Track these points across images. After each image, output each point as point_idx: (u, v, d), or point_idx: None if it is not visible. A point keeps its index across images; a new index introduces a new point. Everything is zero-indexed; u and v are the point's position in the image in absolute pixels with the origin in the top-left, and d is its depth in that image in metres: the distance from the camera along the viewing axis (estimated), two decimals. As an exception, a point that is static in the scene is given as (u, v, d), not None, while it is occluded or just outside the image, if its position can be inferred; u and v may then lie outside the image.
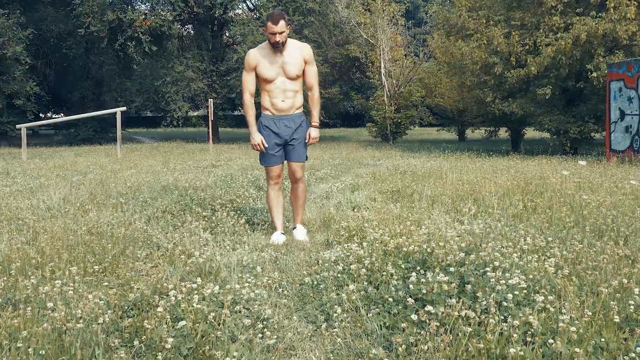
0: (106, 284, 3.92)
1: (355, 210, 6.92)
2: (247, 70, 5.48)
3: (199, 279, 3.73)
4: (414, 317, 3.03)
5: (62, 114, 36.46)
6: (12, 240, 5.17)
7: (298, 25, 27.64)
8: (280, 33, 5.18)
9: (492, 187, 7.63)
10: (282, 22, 5.18)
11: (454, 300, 3.12)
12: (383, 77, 26.68)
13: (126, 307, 3.40)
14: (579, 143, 17.45)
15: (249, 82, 5.49)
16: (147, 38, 27.09)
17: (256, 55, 5.41)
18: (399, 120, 26.75)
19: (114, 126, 21.45)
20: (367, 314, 3.28)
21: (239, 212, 6.90)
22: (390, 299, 3.33)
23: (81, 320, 3.09)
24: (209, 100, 21.20)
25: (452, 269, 3.77)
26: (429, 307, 3.07)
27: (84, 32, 26.67)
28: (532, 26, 17.16)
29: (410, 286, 3.42)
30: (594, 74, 15.54)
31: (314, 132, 5.68)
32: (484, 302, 3.12)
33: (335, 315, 3.31)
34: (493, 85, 18.35)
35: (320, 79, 28.38)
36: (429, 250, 4.22)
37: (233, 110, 52.32)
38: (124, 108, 20.83)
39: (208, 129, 23.17)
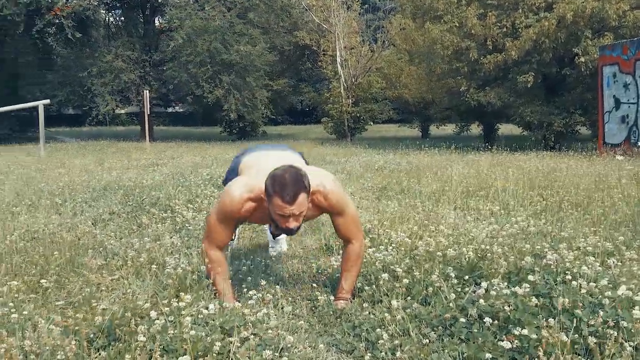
0: (61, 302, 3.15)
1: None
2: (222, 218, 3.41)
3: (187, 295, 3.02)
4: (504, 344, 2.38)
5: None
6: None
7: (241, 8, 26.89)
8: (298, 215, 3.17)
9: (502, 183, 7.11)
10: (302, 197, 3.11)
11: (551, 320, 2.49)
12: (339, 66, 26.14)
13: (91, 335, 2.66)
14: (563, 137, 17.13)
15: (220, 233, 3.44)
16: (69, 23, 25.82)
17: (246, 209, 3.37)
18: (358, 115, 26.25)
19: (34, 125, 20.31)
20: (423, 340, 2.63)
21: (203, 213, 6.18)
22: (462, 319, 2.68)
23: (32, 356, 2.36)
24: (144, 91, 20.25)
25: (515, 278, 3.17)
26: (519, 330, 2.45)
27: (-4, 16, 25.24)
28: (509, 6, 16.76)
29: (480, 301, 2.78)
30: (582, 59, 15.17)
31: (342, 305, 3.36)
32: (591, 322, 2.51)
33: (380, 342, 2.65)
34: (467, 73, 17.87)
35: (267, 69, 28.06)
36: (479, 254, 3.60)
37: (167, 107, 51.05)
38: (47, 101, 19.62)
39: (144, 124, 22.21)
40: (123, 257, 4.20)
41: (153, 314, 2.75)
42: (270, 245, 4.82)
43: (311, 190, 3.23)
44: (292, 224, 3.17)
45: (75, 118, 51.83)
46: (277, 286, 3.55)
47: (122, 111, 45.65)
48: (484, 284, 2.95)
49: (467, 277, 3.34)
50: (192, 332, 2.56)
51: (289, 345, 2.64)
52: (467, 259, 3.59)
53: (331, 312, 3.19)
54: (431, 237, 4.35)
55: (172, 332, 2.58)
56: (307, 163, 4.01)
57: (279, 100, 32.13)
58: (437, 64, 18.96)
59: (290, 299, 3.43)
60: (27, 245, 4.47)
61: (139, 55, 28.12)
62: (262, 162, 3.58)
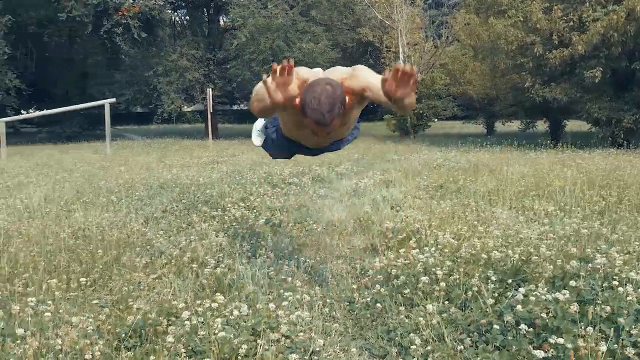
0: (96, 301, 3.19)
1: (396, 208, 6.19)
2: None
3: (220, 296, 3.01)
4: (537, 353, 2.29)
5: (44, 110, 35.78)
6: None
7: (304, 6, 26.93)
8: (328, 133, 3.14)
9: (559, 182, 6.90)
10: (335, 122, 3.00)
11: (589, 329, 2.38)
12: (402, 63, 25.89)
13: (123, 335, 2.68)
14: (632, 134, 16.56)
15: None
16: (135, 23, 26.33)
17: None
18: (421, 112, 25.97)
19: (102, 123, 20.76)
20: (458, 346, 2.55)
21: (255, 211, 6.19)
22: (496, 326, 2.59)
23: (61, 355, 2.38)
24: (207, 90, 20.48)
25: (559, 283, 3.05)
26: (555, 338, 2.35)
27: (66, 18, 25.83)
28: (576, -1, 16.35)
29: (518, 307, 2.68)
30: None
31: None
32: (634, 331, 2.39)
33: (413, 347, 2.59)
34: (532, 68, 17.46)
35: (329, 66, 28.03)
36: (522, 257, 3.48)
37: (232, 105, 51.58)
38: (113, 100, 20.08)
39: (206, 122, 22.44)
40: (168, 256, 4.23)
41: (185, 314, 2.74)
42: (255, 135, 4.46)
43: (343, 78, 3.09)
44: (322, 136, 3.16)
45: (143, 116, 52.96)
46: (317, 287, 3.51)
47: (189, 109, 46.29)
48: (522, 289, 2.84)
49: (510, 280, 3.24)
50: (221, 334, 2.55)
51: (317, 349, 2.60)
52: (511, 262, 3.48)
53: (368, 315, 3.13)
54: (480, 238, 4.25)
55: (202, 333, 2.58)
56: None
57: (342, 98, 32.00)
58: (501, 60, 18.56)
59: (328, 300, 3.38)
60: (77, 243, 4.54)
61: (203, 54, 28.48)
62: None
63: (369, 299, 3.31)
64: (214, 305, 2.87)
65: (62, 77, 32.21)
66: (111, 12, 26.55)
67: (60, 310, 2.89)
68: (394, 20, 26.28)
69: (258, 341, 2.52)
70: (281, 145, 3.68)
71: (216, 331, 2.59)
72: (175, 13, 32.64)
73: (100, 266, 3.88)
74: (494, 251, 3.64)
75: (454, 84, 27.23)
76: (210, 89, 21.05)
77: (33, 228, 4.96)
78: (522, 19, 17.01)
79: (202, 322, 2.69)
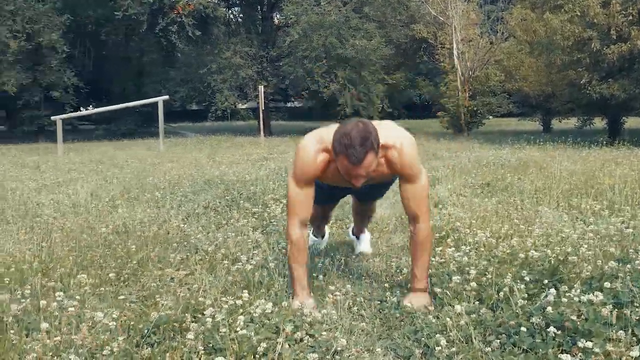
0: (123, 297, 3.20)
1: (439, 207, 6.09)
2: (299, 178, 3.27)
3: (245, 293, 2.99)
4: (565, 357, 2.20)
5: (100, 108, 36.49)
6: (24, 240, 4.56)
7: (357, 2, 26.87)
8: (365, 175, 3.05)
9: (609, 180, 6.70)
10: (369, 158, 2.94)
11: (621, 333, 2.28)
12: (455, 59, 25.61)
13: (146, 331, 2.68)
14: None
15: (301, 202, 3.30)
16: (190, 21, 26.65)
17: (321, 160, 3.21)
18: (475, 109, 25.64)
19: (156, 120, 21.07)
20: (485, 348, 2.48)
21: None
22: (523, 328, 2.50)
23: (81, 350, 2.39)
24: (259, 87, 20.59)
25: (596, 284, 2.94)
26: (584, 342, 2.25)
27: (122, 16, 26.31)
28: (636, -8, 15.88)
29: (549, 308, 2.59)
30: None
31: (418, 301, 3.19)
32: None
33: (438, 349, 2.52)
34: (588, 64, 17.02)
35: (383, 63, 27.88)
36: (559, 257, 3.37)
37: (286, 102, 51.82)
38: (166, 97, 20.36)
39: (259, 120, 22.59)
40: (202, 252, 4.24)
41: (208, 311, 2.73)
42: (360, 250, 4.63)
43: (386, 144, 3.11)
44: (359, 182, 3.09)
45: (198, 113, 53.55)
46: (348, 285, 3.46)
47: (244, 106, 46.65)
48: (552, 290, 2.74)
49: (546, 281, 3.13)
50: (242, 332, 2.53)
51: (339, 349, 2.55)
52: (549, 262, 3.37)
53: (397, 314, 3.07)
54: (521, 237, 4.15)
55: (223, 330, 2.56)
56: None
57: (396, 95, 31.87)
58: (557, 56, 18.14)
59: (359, 299, 3.33)
60: (115, 239, 4.59)
61: (257, 52, 28.67)
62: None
63: (400, 298, 3.25)
64: (239, 302, 2.85)
65: (118, 75, 32.87)
66: (166, 11, 26.93)
67: (87, 306, 2.91)
68: (448, 17, 25.99)
69: (278, 339, 2.48)
70: (323, 191, 3.58)
71: (238, 329, 2.57)
72: (230, 11, 32.93)
73: (134, 262, 3.90)
74: (532, 250, 3.54)
75: (509, 81, 26.76)
76: (262, 86, 21.16)
77: (71, 223, 5.03)
78: (579, 14, 16.59)
79: (224, 320, 2.66)
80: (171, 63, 31.78)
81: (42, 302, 2.84)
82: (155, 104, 19.96)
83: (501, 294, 2.97)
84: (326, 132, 3.17)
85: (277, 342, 2.46)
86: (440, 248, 3.98)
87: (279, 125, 40.50)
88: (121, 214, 5.92)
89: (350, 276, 3.84)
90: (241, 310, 2.81)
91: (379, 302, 3.30)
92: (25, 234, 4.86)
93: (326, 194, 3.68)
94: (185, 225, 5.29)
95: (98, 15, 29.97)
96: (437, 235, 4.53)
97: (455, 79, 26.00)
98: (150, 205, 6.55)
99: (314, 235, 4.60)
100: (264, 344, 2.42)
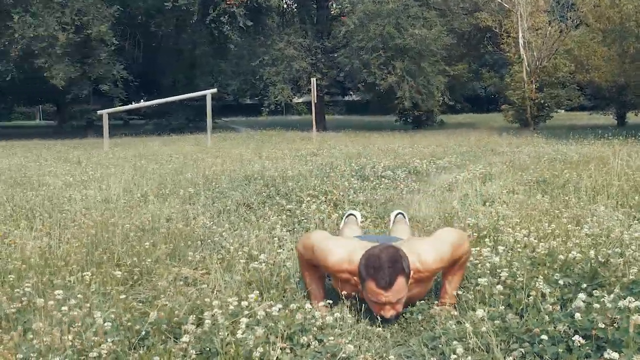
0: (124, 296, 3.17)
1: (488, 204, 5.94)
2: (306, 264, 3.32)
3: (251, 295, 2.93)
4: (586, 368, 2.07)
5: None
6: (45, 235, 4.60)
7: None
8: (395, 303, 2.90)
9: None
10: (399, 283, 2.84)
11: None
12: (521, 48, 25.09)
13: (143, 333, 2.64)
14: None
15: (312, 284, 3.30)
16: (241, 12, 26.74)
17: (341, 276, 3.12)
18: (542, 101, 25.07)
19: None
20: (506, 357, 2.36)
21: (333, 205, 6.10)
22: (545, 336, 2.38)
23: (67, 352, 2.36)
24: (312, 79, 20.54)
25: (638, 289, 2.78)
26: (611, 354, 2.12)
27: (172, 7, 26.56)
28: None
29: (577, 315, 2.45)
30: None
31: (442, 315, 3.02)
32: None
33: (453, 357, 2.41)
34: (664, 53, 16.58)
35: (444, 54, 27.48)
36: (600, 258, 3.21)
37: (343, 96, 51.75)
38: (214, 90, 20.44)
39: (311, 113, 22.56)
40: (225, 250, 4.20)
41: (207, 313, 2.68)
42: None
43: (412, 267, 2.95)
44: (389, 313, 2.89)
45: (252, 108, 54.07)
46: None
47: (300, 100, 46.73)
48: (581, 295, 2.59)
49: (584, 285, 2.98)
50: (241, 335, 2.46)
51: (343, 355, 2.46)
52: (590, 264, 3.22)
53: (419, 319, 2.97)
54: (568, 237, 3.99)
55: (222, 334, 2.50)
56: None
57: (458, 87, 31.40)
58: (631, 43, 17.65)
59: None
60: (137, 236, 4.58)
61: (311, 43, 28.61)
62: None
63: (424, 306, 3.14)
64: (245, 303, 2.79)
65: (169, 68, 33.23)
66: (217, 1, 27.07)
67: (88, 305, 2.89)
68: (514, 3, 25.48)
69: (278, 344, 2.41)
70: None
71: (238, 332, 2.51)
72: (284, 0, 32.99)
73: (149, 260, 3.88)
74: (573, 251, 3.38)
75: (579, 71, 26.04)
76: (315, 79, 21.11)
77: (92, 219, 5.04)
78: (655, -2, 16.12)
79: (224, 322, 2.61)
80: (223, 55, 31.96)
81: (40, 300, 2.84)
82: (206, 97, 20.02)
83: (530, 298, 2.84)
84: (359, 251, 3.02)
85: (274, 348, 2.39)
86: (478, 248, 3.85)
87: (334, 119, 40.50)
88: (150, 209, 5.93)
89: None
90: (246, 312, 2.74)
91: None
92: (45, 229, 4.90)
93: None
94: (213, 223, 5.26)
95: (148, 6, 30.32)
96: (476, 234, 4.40)
97: (521, 69, 25.48)
98: (182, 201, 6.56)
99: None
100: (260, 349, 2.35)
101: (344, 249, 3.10)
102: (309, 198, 6.34)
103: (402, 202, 6.56)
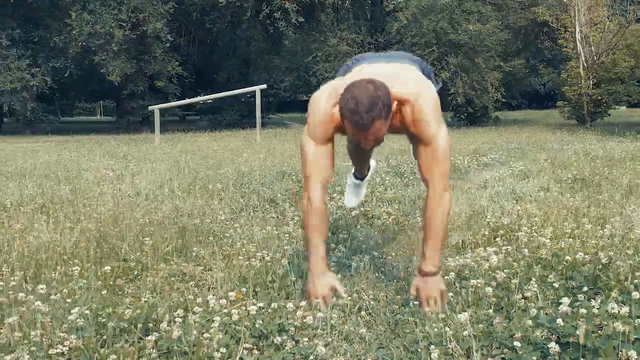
0: (105, 291, 3.12)
1: (514, 202, 5.76)
2: (314, 132, 3.05)
3: (232, 293, 2.86)
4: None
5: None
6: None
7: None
8: (373, 139, 2.85)
9: None
10: (376, 125, 2.74)
11: (632, 352, 1.99)
12: (578, 43, 24.44)
13: (116, 331, 2.59)
14: None
15: (317, 161, 3.06)
16: (293, 8, 26.73)
17: (335, 120, 2.97)
18: (599, 98, 24.37)
19: (263, 109, 21.21)
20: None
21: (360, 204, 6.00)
22: (518, 343, 2.24)
23: (33, 348, 2.33)
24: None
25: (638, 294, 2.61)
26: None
27: (225, 3, 26.73)
28: None
29: (559, 321, 2.31)
30: None
31: (427, 287, 2.93)
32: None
33: (427, 362, 2.30)
34: None
35: (499, 49, 27.00)
36: (604, 261, 3.04)
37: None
38: (264, 86, 20.42)
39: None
40: (228, 247, 4.14)
41: (178, 311, 2.62)
42: (347, 191, 4.38)
43: (400, 99, 2.87)
44: (369, 145, 2.92)
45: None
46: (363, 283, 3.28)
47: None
48: (565, 300, 2.44)
49: (585, 288, 2.82)
50: (207, 335, 2.40)
51: (312, 358, 2.37)
52: (594, 266, 3.05)
53: (409, 321, 2.85)
54: (587, 237, 3.82)
55: (194, 333, 2.43)
56: (430, 76, 3.39)
57: (514, 83, 30.77)
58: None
59: (373, 302, 3.12)
60: (151, 230, 4.55)
61: (364, 38, 28.45)
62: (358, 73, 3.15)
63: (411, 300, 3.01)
64: (223, 302, 2.72)
65: (224, 64, 33.49)
66: (271, -4, 27.14)
67: (69, 300, 2.86)
68: (571, -3, 24.86)
69: (241, 345, 2.33)
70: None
71: (210, 331, 2.44)
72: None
73: (152, 256, 3.85)
74: (579, 253, 3.21)
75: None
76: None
77: (108, 214, 5.05)
78: None
79: (198, 322, 2.54)
80: (277, 51, 32.07)
81: (21, 295, 2.82)
82: (261, 93, 20.02)
83: (522, 301, 2.70)
84: (340, 86, 2.91)
85: (237, 349, 2.31)
86: (486, 248, 3.71)
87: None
88: (175, 205, 5.91)
89: (383, 277, 3.63)
90: (219, 311, 2.67)
91: (398, 307, 3.08)
92: (65, 222, 4.91)
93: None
94: (230, 218, 5.22)
95: (203, 3, 30.60)
96: (491, 234, 4.25)
97: (578, 65, 24.84)
98: (209, 196, 6.54)
99: (356, 178, 4.26)
100: (223, 350, 2.27)
101: (328, 90, 3.05)
102: (336, 194, 6.26)
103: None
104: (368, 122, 2.71)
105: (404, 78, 3.03)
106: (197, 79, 34.31)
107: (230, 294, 2.84)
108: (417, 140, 3.00)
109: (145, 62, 28.40)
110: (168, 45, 28.41)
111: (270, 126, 27.54)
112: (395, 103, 2.85)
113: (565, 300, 2.42)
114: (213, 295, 2.98)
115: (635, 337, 2.17)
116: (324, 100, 3.00)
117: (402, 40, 26.58)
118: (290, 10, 26.70)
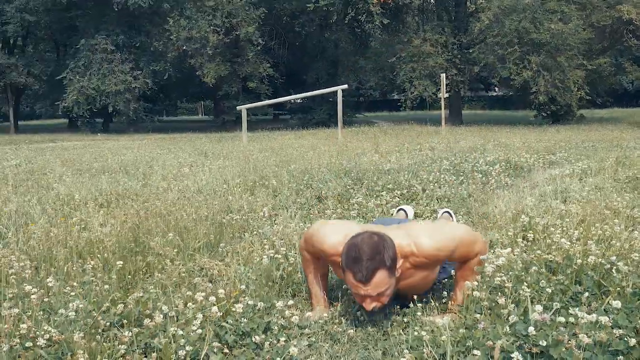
0: (107, 286, 3.08)
1: (557, 200, 5.48)
2: (308, 261, 3.08)
3: (221, 290, 2.77)
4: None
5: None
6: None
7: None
8: (376, 296, 2.61)
9: None
10: (379, 276, 2.56)
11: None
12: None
13: (107, 325, 2.55)
14: None
15: (313, 284, 3.06)
16: (377, 10, 26.54)
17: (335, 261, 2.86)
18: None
19: (352, 108, 21.15)
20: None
21: (409, 200, 5.85)
22: (477, 352, 2.07)
23: (16, 340, 2.32)
24: (441, 75, 20.03)
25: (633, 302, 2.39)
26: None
27: (314, 7, 26.85)
28: None
29: (530, 329, 2.12)
30: None
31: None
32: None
33: (398, 367, 2.16)
34: None
35: (583, 48, 25.98)
36: (607, 265, 2.81)
37: (487, 90, 50.39)
38: (345, 86, 20.30)
39: (441, 108, 21.96)
40: (250, 243, 4.07)
41: (164, 308, 2.55)
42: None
43: (403, 253, 2.68)
44: (370, 306, 2.60)
45: (396, 103, 53.83)
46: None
47: (446, 95, 45.95)
48: (538, 307, 2.24)
49: (587, 294, 2.60)
50: (180, 333, 2.32)
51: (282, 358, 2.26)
52: (603, 270, 2.82)
53: (404, 321, 2.70)
54: (613, 240, 3.56)
55: (173, 329, 2.37)
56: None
57: (599, 81, 29.55)
58: None
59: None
60: (189, 226, 4.53)
61: (447, 39, 27.97)
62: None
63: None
64: (212, 299, 2.64)
65: (313, 65, 33.65)
66: (356, 0, 27.07)
67: (72, 294, 2.84)
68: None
69: (215, 344, 2.25)
70: None
71: (191, 329, 2.37)
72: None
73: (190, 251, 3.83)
74: (591, 256, 2.98)
75: None
76: (444, 75, 20.56)
77: (160, 208, 5.06)
78: None
79: (187, 317, 2.48)
80: (363, 52, 32.01)
81: (28, 287, 2.82)
82: (349, 93, 19.94)
83: (511, 307, 2.51)
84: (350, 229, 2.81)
85: (203, 349, 2.23)
86: (501, 249, 3.50)
87: (473, 114, 39.43)
88: (230, 200, 5.89)
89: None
90: (213, 309, 2.59)
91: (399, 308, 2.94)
92: (120, 217, 4.94)
93: None
94: (272, 215, 5.15)
95: (292, 7, 30.91)
96: (510, 233, 4.03)
97: (663, 62, 23.66)
98: (267, 193, 6.49)
99: None
100: (189, 347, 2.19)
101: (340, 234, 2.82)
102: (384, 193, 6.11)
103: (482, 198, 6.19)
104: (370, 272, 2.53)
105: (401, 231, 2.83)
106: (287, 80, 34.59)
107: (220, 291, 2.76)
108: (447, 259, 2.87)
109: (238, 65, 28.90)
110: (260, 48, 28.84)
111: (356, 125, 27.33)
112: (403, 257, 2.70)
113: (538, 307, 2.23)
114: (223, 290, 2.91)
115: (614, 349, 1.97)
116: (332, 242, 2.86)
117: (484, 40, 25.99)
118: (375, 13, 26.51)
